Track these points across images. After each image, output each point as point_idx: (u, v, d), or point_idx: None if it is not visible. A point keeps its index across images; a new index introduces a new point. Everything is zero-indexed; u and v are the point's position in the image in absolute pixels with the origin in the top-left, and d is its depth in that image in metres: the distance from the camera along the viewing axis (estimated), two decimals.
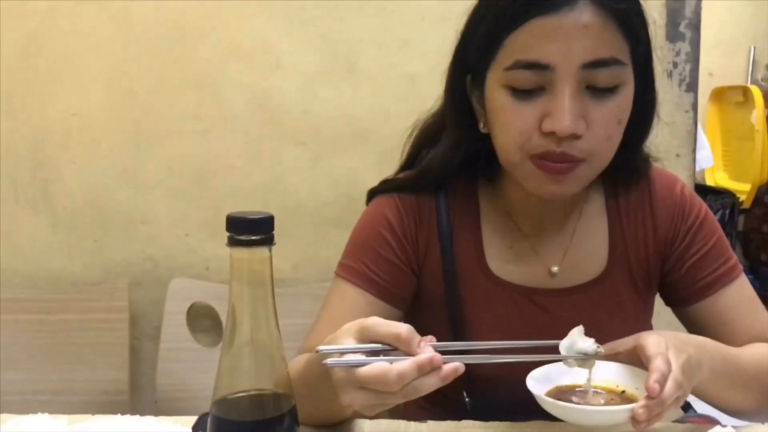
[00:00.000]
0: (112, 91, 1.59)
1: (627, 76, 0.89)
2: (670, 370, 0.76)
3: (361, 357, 0.72)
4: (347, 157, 1.59)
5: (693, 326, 1.04)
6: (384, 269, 1.03)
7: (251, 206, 1.59)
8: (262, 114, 1.59)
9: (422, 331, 1.13)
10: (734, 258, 1.05)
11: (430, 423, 0.95)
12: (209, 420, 0.67)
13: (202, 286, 1.57)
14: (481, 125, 0.98)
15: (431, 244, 1.05)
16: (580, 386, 0.84)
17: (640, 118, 0.96)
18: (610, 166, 0.96)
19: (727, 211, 3.42)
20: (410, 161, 1.10)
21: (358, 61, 1.58)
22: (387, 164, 1.13)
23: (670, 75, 1.55)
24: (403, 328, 0.73)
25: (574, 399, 0.82)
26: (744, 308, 1.02)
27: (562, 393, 0.83)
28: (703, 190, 3.41)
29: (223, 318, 1.50)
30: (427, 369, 0.70)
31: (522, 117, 0.88)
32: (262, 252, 0.65)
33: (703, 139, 3.06)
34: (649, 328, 1.11)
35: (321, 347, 0.74)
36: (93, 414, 1.48)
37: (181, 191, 1.61)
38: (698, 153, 1.65)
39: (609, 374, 0.85)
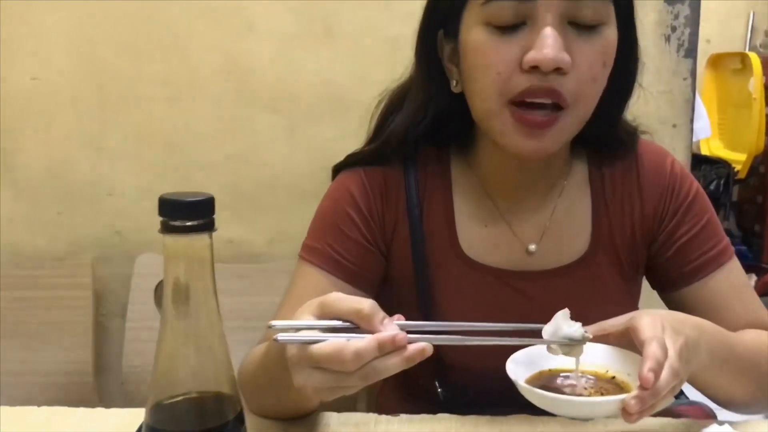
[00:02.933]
0: (75, 54, 1.49)
1: (609, 17, 0.84)
2: (666, 356, 0.69)
3: (318, 334, 0.66)
4: (325, 126, 1.51)
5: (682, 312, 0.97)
6: (350, 250, 0.96)
7: (224, 178, 1.54)
8: (234, 80, 1.49)
9: (389, 312, 1.08)
10: (726, 240, 0.98)
11: (403, 417, 0.89)
12: (143, 430, 0.59)
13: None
14: (454, 83, 0.91)
15: (399, 223, 0.98)
16: (565, 370, 0.77)
17: (622, 76, 0.90)
18: (593, 136, 0.92)
19: (722, 181, 3.36)
20: (377, 132, 1.01)
21: (336, 24, 1.48)
22: (367, 134, 1.05)
23: (667, 39, 1.46)
24: (366, 304, 0.66)
25: (559, 385, 0.75)
26: (735, 294, 0.96)
27: (546, 379, 0.76)
28: (697, 159, 3.33)
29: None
30: (388, 348, 0.63)
31: (501, 54, 0.82)
32: (201, 239, 0.57)
33: (701, 108, 2.98)
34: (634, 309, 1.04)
35: (274, 322, 0.67)
36: (58, 395, 1.44)
37: (149, 162, 1.53)
38: (696, 123, 1.57)
39: (597, 357, 0.77)
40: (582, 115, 0.86)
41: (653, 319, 0.72)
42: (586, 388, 0.75)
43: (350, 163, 1.01)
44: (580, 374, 0.76)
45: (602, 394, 0.73)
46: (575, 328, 0.74)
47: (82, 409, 0.93)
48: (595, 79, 0.84)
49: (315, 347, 0.64)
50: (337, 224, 0.96)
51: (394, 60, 1.47)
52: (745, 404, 0.89)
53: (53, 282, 1.44)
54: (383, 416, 0.90)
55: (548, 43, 0.79)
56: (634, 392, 0.67)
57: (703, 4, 1.49)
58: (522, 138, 0.84)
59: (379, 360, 0.63)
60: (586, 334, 0.74)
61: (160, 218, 0.57)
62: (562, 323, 0.74)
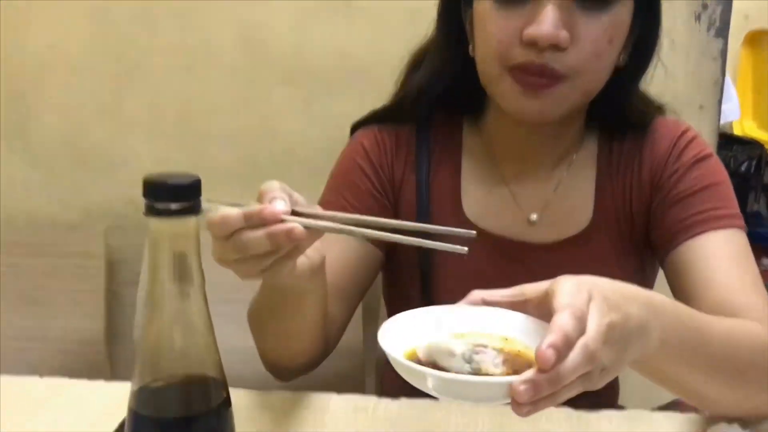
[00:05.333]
0: (91, 23, 1.47)
1: None
2: (580, 331, 0.54)
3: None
4: (342, 99, 1.48)
5: (669, 282, 0.94)
6: (363, 202, 0.98)
7: (238, 150, 1.52)
8: (250, 51, 1.47)
9: (393, 276, 1.06)
10: (734, 211, 0.92)
11: (403, 400, 0.87)
12: (127, 416, 0.58)
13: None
14: (471, 48, 0.92)
15: (407, 180, 1.00)
16: (478, 341, 0.62)
17: (639, 54, 0.89)
18: (606, 109, 0.92)
19: (753, 162, 3.27)
20: (398, 92, 1.04)
21: None
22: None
23: (698, 18, 1.40)
24: (272, 185, 0.67)
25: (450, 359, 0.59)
26: (726, 263, 0.87)
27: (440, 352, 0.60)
28: (728, 139, 3.24)
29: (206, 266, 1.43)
30: (254, 220, 0.64)
31: (503, 26, 0.84)
32: (186, 223, 0.55)
33: (731, 89, 2.89)
34: None
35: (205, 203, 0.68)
36: (69, 363, 1.45)
37: (163, 131, 1.51)
38: (724, 104, 1.51)
39: (512, 328, 0.63)
40: (584, 87, 0.86)
41: (578, 285, 0.58)
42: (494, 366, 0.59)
43: (367, 120, 1.03)
44: (480, 346, 0.61)
45: (511, 374, 0.57)
46: (462, 344, 0.59)
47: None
48: (598, 55, 0.84)
49: (208, 215, 0.66)
50: (349, 177, 1.00)
51: (413, 32, 1.42)
52: (722, 406, 0.78)
53: (66, 250, 1.44)
54: (383, 399, 0.89)
55: (546, 20, 0.80)
56: (527, 374, 0.52)
57: None
58: (522, 99, 0.85)
59: (244, 232, 0.64)
60: (477, 360, 0.58)
61: (144, 200, 0.55)
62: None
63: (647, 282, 1.01)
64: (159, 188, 0.54)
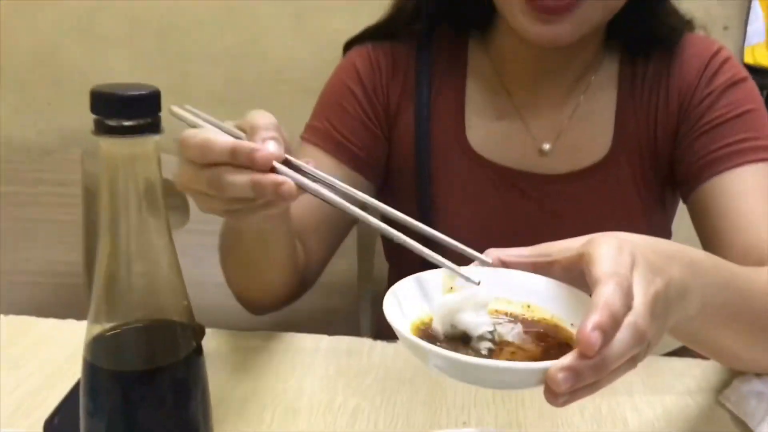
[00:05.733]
0: None
1: None
2: (627, 307, 0.45)
3: (213, 128, 0.57)
4: (335, 16, 1.36)
5: (694, 221, 0.85)
6: (352, 130, 0.89)
7: (222, 70, 1.40)
8: None
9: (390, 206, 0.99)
10: None
11: (400, 343, 0.80)
12: (82, 368, 0.50)
13: (170, 159, 1.39)
14: None
15: (405, 104, 0.90)
16: (496, 312, 0.53)
17: None
18: (629, 28, 0.83)
19: (765, 93, 3.15)
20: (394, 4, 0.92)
21: None
22: None
23: None
24: (268, 120, 0.57)
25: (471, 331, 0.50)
26: (761, 203, 0.78)
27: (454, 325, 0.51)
28: None
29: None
30: (242, 158, 0.53)
31: None
32: (143, 144, 0.47)
33: (757, 8, 2.74)
34: (665, 234, 0.93)
35: (174, 107, 0.58)
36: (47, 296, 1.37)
37: (143, 50, 1.40)
38: (749, 26, 1.40)
39: (537, 295, 0.53)
40: (608, 3, 0.76)
41: (619, 247, 0.48)
42: (507, 343, 0.50)
43: (361, 37, 0.94)
44: (506, 318, 0.53)
45: (535, 352, 0.50)
46: (482, 320, 0.50)
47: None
48: None
49: (186, 132, 0.57)
50: (338, 101, 0.91)
51: None
52: (760, 367, 0.72)
53: (41, 177, 1.35)
54: (378, 342, 0.82)
55: None
56: (566, 359, 0.42)
57: None
58: (534, 23, 0.75)
59: (228, 171, 0.54)
60: (498, 332, 0.49)
61: (93, 116, 0.46)
62: (472, 307, 0.50)
63: (666, 218, 0.93)
64: (110, 101, 0.46)
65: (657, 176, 0.87)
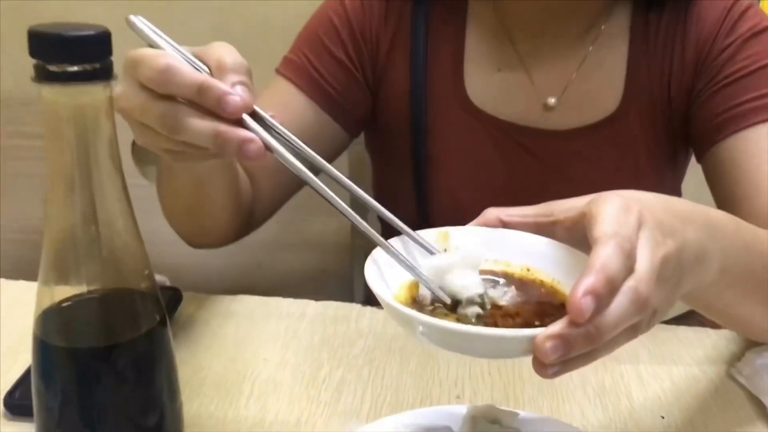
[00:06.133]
0: None
1: None
2: (626, 271, 0.40)
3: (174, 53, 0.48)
4: None
5: (709, 182, 0.80)
6: (330, 69, 0.83)
7: (208, 17, 1.33)
8: None
9: (381, 163, 0.92)
10: None
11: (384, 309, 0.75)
12: (32, 345, 0.45)
13: None
14: None
15: (396, 54, 0.84)
16: (489, 272, 0.49)
17: None
18: None
19: None
20: None
21: None
22: None
23: None
24: (232, 57, 0.48)
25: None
26: None
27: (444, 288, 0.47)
28: None
29: None
30: (209, 100, 0.45)
31: None
32: (93, 92, 0.41)
33: None
34: (675, 195, 0.87)
35: (133, 17, 0.50)
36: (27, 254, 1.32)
37: None
38: None
39: (538, 258, 0.49)
40: None
41: (625, 207, 0.44)
42: (501, 308, 0.46)
43: None
44: (498, 278, 0.49)
45: (531, 318, 0.46)
46: (472, 281, 0.46)
47: None
48: None
49: (138, 51, 0.48)
50: (319, 36, 0.83)
51: None
52: None
53: (21, 130, 1.29)
54: (368, 308, 0.77)
55: None
56: (555, 326, 0.38)
57: None
58: None
59: (188, 113, 0.46)
60: (489, 296, 0.46)
61: (33, 60, 0.40)
62: (462, 272, 0.46)
63: (677, 178, 0.88)
64: (51, 43, 0.40)
65: (669, 133, 0.82)
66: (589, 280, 0.38)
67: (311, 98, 0.82)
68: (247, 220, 0.80)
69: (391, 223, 0.48)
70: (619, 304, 0.39)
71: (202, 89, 0.45)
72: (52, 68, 0.39)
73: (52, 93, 0.40)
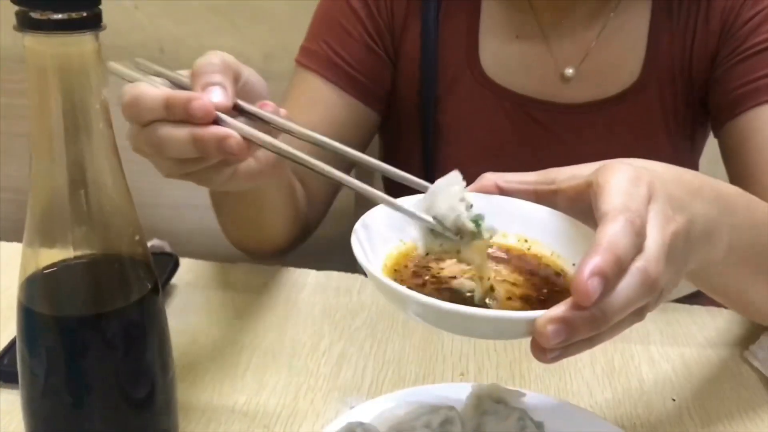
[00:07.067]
0: None
1: None
2: (636, 249, 0.37)
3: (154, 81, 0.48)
4: None
5: (724, 158, 0.78)
6: (352, 51, 0.80)
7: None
8: None
9: (390, 138, 0.89)
10: None
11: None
12: (17, 312, 0.43)
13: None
14: None
15: (410, 25, 0.81)
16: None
17: None
18: None
19: None
20: None
21: None
22: None
23: None
24: (211, 62, 0.48)
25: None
26: None
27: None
28: None
29: None
30: (177, 112, 0.45)
31: None
32: (80, 42, 0.38)
33: None
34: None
35: (112, 63, 0.49)
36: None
37: None
38: None
39: (537, 228, 0.46)
40: None
41: (635, 177, 0.40)
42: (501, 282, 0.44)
43: None
44: (495, 249, 0.46)
45: (530, 296, 0.43)
46: (464, 208, 0.43)
47: None
48: None
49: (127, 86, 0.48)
50: (337, 19, 0.81)
51: None
52: None
53: (10, 88, 1.26)
54: None
55: None
56: (558, 309, 0.35)
57: None
58: None
59: (164, 126, 0.46)
60: (485, 226, 0.43)
61: (16, 7, 0.37)
62: (446, 196, 0.43)
63: (694, 155, 0.85)
64: None
65: (689, 107, 0.79)
66: (596, 260, 0.35)
67: (340, 87, 0.79)
68: (304, 226, 0.78)
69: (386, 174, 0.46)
70: (627, 285, 0.36)
71: (168, 105, 0.45)
72: (35, 15, 0.37)
73: (35, 42, 0.38)
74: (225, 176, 0.50)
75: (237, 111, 0.48)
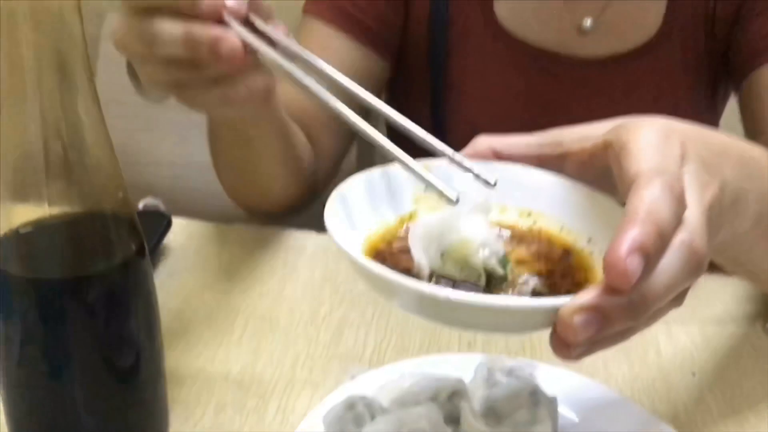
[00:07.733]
0: None
1: None
2: (677, 220, 0.32)
3: None
4: None
5: (742, 114, 0.75)
6: (371, 1, 0.76)
7: None
8: None
9: (397, 91, 0.85)
10: None
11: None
12: None
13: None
14: None
15: None
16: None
17: None
18: None
19: None
20: None
21: None
22: None
23: None
24: None
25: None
26: None
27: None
28: None
29: None
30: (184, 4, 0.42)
31: None
32: None
33: None
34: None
35: None
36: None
37: None
38: None
39: (542, 199, 0.40)
40: None
41: (666, 135, 0.35)
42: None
43: None
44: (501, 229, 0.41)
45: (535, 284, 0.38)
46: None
47: None
48: None
49: None
50: None
51: None
52: None
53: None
54: None
55: None
56: (588, 296, 0.30)
57: None
58: None
59: (164, 18, 0.43)
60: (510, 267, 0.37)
61: None
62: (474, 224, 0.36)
63: (715, 113, 0.81)
64: None
65: (711, 62, 0.75)
66: (635, 232, 0.29)
67: (350, 35, 0.75)
68: (311, 183, 0.74)
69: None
70: (670, 264, 0.30)
71: None
72: None
73: None
74: (211, 98, 0.46)
75: (250, 28, 0.44)
